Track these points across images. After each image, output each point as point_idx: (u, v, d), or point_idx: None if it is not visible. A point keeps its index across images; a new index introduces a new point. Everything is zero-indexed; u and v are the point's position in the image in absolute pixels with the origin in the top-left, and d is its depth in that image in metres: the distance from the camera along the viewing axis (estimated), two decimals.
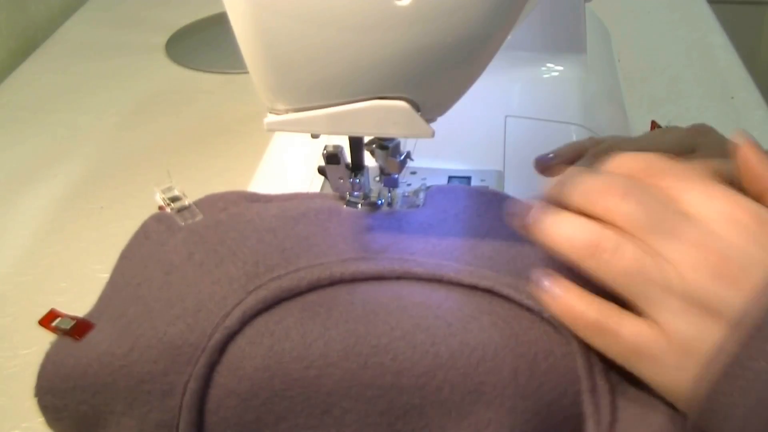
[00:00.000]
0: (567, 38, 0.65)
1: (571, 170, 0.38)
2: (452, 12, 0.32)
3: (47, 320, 0.38)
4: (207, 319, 0.36)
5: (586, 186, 0.36)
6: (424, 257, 0.40)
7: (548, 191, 0.38)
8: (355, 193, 0.45)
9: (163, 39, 0.95)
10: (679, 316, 0.32)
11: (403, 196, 0.47)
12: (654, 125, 0.68)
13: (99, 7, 1.06)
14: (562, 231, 0.35)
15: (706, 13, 0.96)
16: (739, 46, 0.88)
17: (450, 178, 0.53)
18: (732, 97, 0.78)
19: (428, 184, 0.52)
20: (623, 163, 0.37)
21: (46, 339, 0.39)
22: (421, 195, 0.47)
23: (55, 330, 0.38)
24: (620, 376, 0.36)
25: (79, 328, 0.38)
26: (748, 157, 0.38)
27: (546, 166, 0.50)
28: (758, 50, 1.44)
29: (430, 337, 0.36)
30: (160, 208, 0.44)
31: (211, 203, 0.44)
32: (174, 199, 0.44)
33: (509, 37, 0.36)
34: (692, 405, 0.32)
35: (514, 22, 0.35)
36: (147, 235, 0.42)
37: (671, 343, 0.33)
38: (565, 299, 0.35)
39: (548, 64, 0.65)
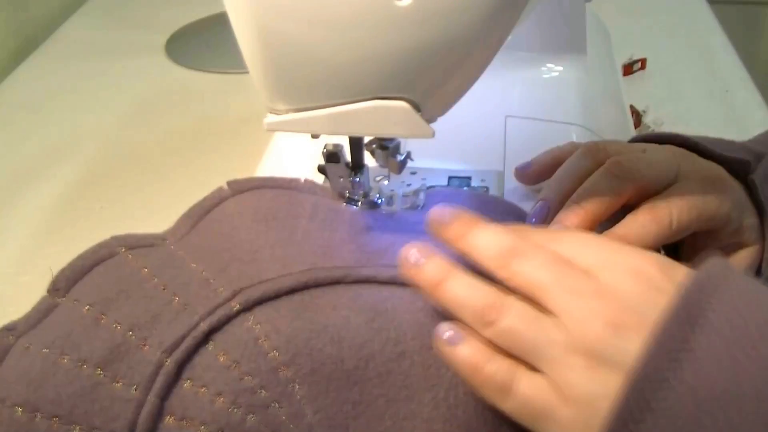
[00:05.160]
0: (567, 38, 0.65)
1: (476, 224, 0.37)
2: (452, 12, 0.32)
3: None
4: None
5: (490, 248, 0.35)
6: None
7: (454, 242, 0.37)
8: (356, 192, 0.45)
9: (163, 39, 0.95)
10: (574, 372, 0.31)
11: (403, 195, 0.48)
12: (632, 110, 0.68)
13: (99, 6, 1.06)
14: (457, 291, 0.35)
15: (706, 13, 0.96)
16: (739, 46, 0.88)
17: (450, 178, 0.53)
18: (726, 91, 0.78)
19: (428, 184, 0.52)
20: (525, 232, 0.37)
21: None
22: (421, 195, 0.47)
23: None
24: None
25: None
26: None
27: (524, 174, 0.51)
28: (758, 50, 1.44)
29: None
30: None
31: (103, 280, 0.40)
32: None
33: (509, 37, 0.36)
34: None
35: (514, 22, 0.35)
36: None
37: (567, 401, 0.31)
38: (461, 349, 0.34)
39: (548, 65, 0.65)
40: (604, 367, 0.30)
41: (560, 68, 0.65)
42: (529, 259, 0.34)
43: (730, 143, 0.48)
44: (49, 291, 0.40)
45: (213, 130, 0.77)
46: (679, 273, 0.32)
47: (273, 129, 0.38)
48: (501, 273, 0.34)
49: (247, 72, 0.36)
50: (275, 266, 0.39)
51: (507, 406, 0.33)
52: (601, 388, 0.30)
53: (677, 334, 0.29)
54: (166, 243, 0.43)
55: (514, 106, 0.61)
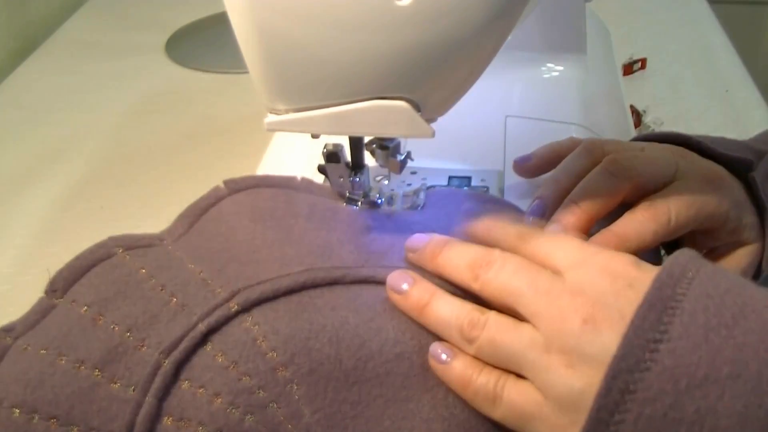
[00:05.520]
0: (567, 38, 0.65)
1: (446, 240, 0.39)
2: (452, 12, 0.32)
3: None
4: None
5: (460, 263, 0.37)
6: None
7: (421, 258, 0.39)
8: (356, 192, 0.45)
9: (163, 39, 0.95)
10: (554, 371, 0.31)
11: (403, 195, 0.48)
12: (633, 110, 0.68)
13: (99, 6, 1.06)
14: (440, 313, 0.36)
15: (706, 13, 0.96)
16: (739, 46, 0.88)
17: (450, 178, 0.53)
18: (726, 90, 0.78)
19: (428, 184, 0.52)
20: (497, 231, 0.39)
21: None
22: (422, 195, 0.47)
23: None
24: None
25: None
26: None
27: (523, 167, 0.51)
28: (758, 50, 1.44)
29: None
30: None
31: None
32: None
33: (509, 37, 0.36)
34: None
35: (514, 23, 0.35)
36: None
37: (551, 400, 0.32)
38: (453, 366, 0.35)
39: (548, 64, 0.65)
40: (582, 363, 0.31)
41: (560, 68, 0.65)
42: (500, 267, 0.35)
43: (733, 142, 0.48)
44: (46, 292, 0.40)
45: (213, 130, 0.77)
46: (649, 269, 0.33)
47: (273, 129, 0.38)
48: (474, 284, 0.36)
49: (247, 72, 0.36)
50: (273, 266, 0.39)
51: (497, 414, 0.34)
52: (581, 383, 0.31)
53: (652, 321, 0.30)
54: (163, 243, 0.43)
55: (514, 106, 0.61)
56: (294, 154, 0.60)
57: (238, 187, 0.45)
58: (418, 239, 0.39)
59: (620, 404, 0.29)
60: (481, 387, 0.34)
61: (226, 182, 0.46)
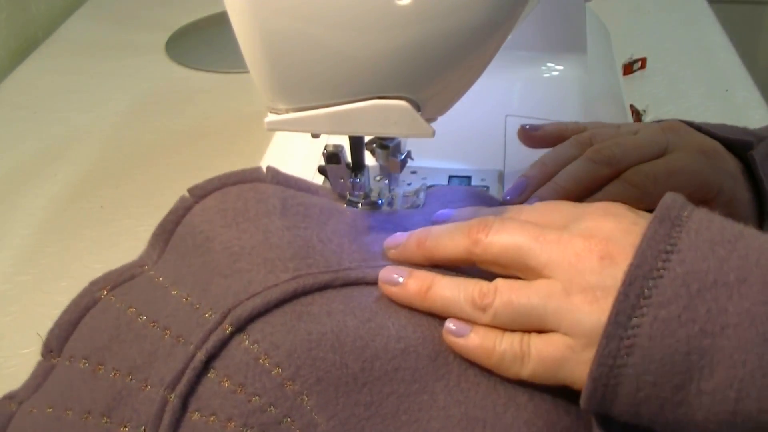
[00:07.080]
0: (567, 38, 0.65)
1: (428, 229, 0.39)
2: (453, 11, 0.32)
3: None
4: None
5: (454, 237, 0.37)
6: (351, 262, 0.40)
7: (414, 248, 0.39)
8: (356, 192, 0.45)
9: (163, 38, 0.95)
10: (578, 310, 0.33)
11: (404, 195, 0.48)
12: (633, 109, 0.69)
13: (99, 6, 1.06)
14: (444, 294, 0.36)
15: (706, 13, 0.96)
16: (739, 46, 0.88)
17: (450, 177, 0.53)
18: (726, 90, 0.79)
19: (429, 183, 0.52)
20: (483, 212, 0.40)
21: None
22: (422, 194, 0.47)
23: None
24: None
25: None
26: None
27: (528, 134, 0.51)
28: (758, 50, 1.44)
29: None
30: None
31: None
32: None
33: (509, 36, 0.36)
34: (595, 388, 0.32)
35: (514, 22, 0.35)
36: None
37: (581, 339, 0.33)
38: (471, 338, 0.35)
39: (548, 64, 0.65)
40: (605, 295, 0.32)
41: (560, 67, 0.65)
42: (500, 227, 0.36)
43: (733, 127, 0.50)
44: (43, 354, 0.40)
45: (213, 130, 0.77)
46: (643, 212, 0.35)
47: (273, 128, 0.38)
48: (475, 249, 0.36)
49: (247, 71, 0.36)
50: (258, 276, 0.38)
51: (526, 372, 0.34)
52: (608, 314, 0.31)
53: (663, 234, 0.32)
54: (144, 269, 0.42)
55: (514, 106, 0.61)
56: (294, 154, 0.60)
57: (203, 192, 0.44)
58: (396, 237, 0.40)
59: (636, 308, 0.30)
60: (507, 350, 0.34)
61: (190, 190, 0.45)
